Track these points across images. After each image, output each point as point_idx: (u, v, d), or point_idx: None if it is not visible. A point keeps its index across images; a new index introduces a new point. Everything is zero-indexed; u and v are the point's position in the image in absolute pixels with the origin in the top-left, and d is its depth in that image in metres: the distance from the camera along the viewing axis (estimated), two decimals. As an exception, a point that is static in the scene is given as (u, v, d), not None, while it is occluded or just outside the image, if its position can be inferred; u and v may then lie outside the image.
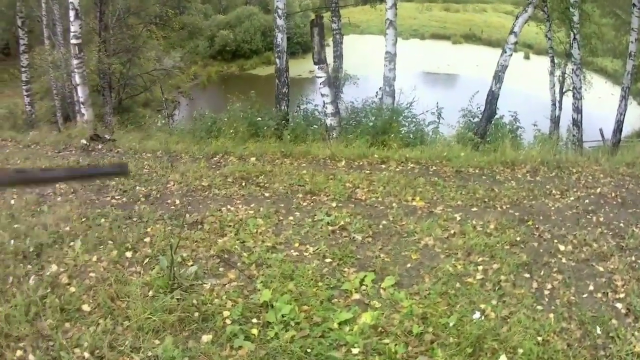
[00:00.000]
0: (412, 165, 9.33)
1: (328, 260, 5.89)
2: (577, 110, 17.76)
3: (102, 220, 6.86)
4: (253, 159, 9.67)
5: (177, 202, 7.53)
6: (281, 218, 6.99)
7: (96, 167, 3.40)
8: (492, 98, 12.78)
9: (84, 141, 10.82)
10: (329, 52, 16.20)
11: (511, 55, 13.02)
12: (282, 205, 7.43)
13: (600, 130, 21.67)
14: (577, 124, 17.77)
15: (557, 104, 22.71)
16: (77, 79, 12.60)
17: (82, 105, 12.88)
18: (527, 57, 42.31)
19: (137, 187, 8.13)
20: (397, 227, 6.78)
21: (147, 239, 6.28)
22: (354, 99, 15.27)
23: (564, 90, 22.68)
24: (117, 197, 7.78)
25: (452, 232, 6.64)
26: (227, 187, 8.12)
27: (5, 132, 13.61)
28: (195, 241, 6.22)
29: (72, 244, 6.16)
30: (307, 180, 8.32)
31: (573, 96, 18.26)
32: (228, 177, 8.51)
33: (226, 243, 6.17)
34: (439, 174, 8.93)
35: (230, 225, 6.69)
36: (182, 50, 34.46)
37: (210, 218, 6.91)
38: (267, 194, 7.84)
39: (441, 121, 12.78)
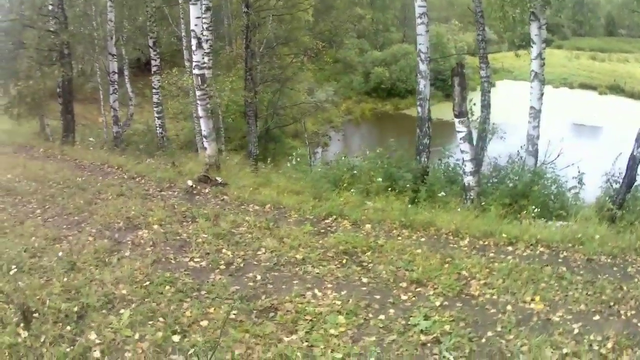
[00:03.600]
0: (541, 249, 7.95)
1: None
2: None
3: (167, 287, 6.32)
4: (368, 226, 8.79)
5: (259, 277, 6.81)
6: (370, 316, 5.98)
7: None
8: (633, 163, 11.15)
9: (190, 182, 10.47)
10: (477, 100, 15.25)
11: (660, 113, 11.47)
12: (378, 297, 6.43)
13: None
14: None
15: None
16: (199, 111, 12.37)
17: (204, 139, 12.64)
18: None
19: (224, 250, 7.55)
20: (503, 343, 5.51)
21: (204, 323, 5.63)
22: (499, 154, 14.64)
23: None
24: (196, 260, 7.28)
25: (564, 352, 5.30)
26: (323, 264, 7.28)
27: (117, 158, 13.74)
28: (257, 336, 5.38)
29: (121, 311, 5.78)
30: (418, 263, 7.25)
31: None
32: (329, 251, 7.67)
33: (291, 344, 5.28)
34: (568, 262, 7.48)
35: (306, 319, 5.81)
36: (336, 84, 34.60)
37: (288, 305, 6.09)
38: (365, 280, 6.87)
39: (583, 187, 11.94)
